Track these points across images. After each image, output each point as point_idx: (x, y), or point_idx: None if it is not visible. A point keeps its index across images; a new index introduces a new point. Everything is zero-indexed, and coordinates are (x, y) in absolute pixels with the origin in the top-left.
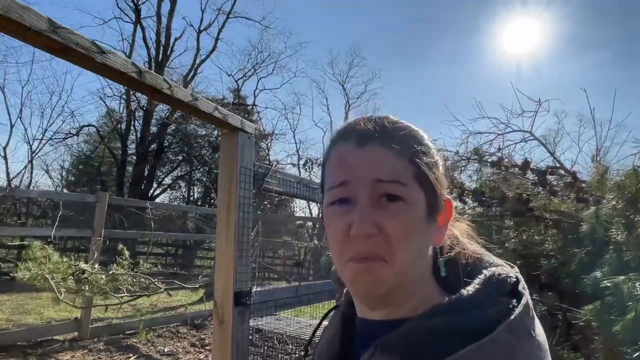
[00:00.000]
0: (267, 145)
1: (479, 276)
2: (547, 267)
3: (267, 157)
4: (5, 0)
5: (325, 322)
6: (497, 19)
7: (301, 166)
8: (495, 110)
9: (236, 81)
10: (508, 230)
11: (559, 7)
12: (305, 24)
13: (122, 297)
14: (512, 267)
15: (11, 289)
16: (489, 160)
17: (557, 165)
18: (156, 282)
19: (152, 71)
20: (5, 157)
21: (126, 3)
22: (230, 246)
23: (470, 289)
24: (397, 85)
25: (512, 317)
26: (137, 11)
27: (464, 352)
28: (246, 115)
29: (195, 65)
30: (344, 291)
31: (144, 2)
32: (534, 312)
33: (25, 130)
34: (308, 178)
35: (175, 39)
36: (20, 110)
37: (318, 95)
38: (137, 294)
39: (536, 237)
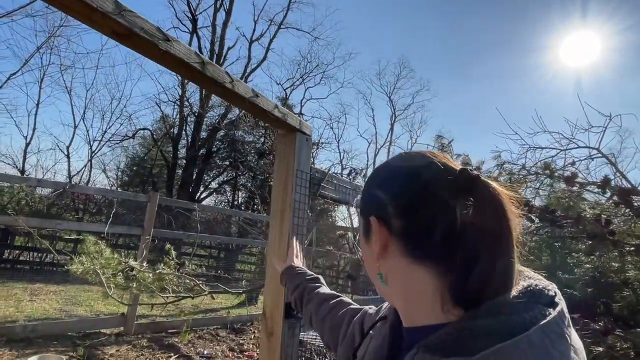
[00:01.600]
0: (312, 153)
1: (517, 286)
2: (629, 298)
3: (312, 165)
4: None
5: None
6: (554, 32)
7: (344, 176)
8: (554, 124)
9: (284, 90)
10: (578, 253)
11: (622, 19)
12: (354, 36)
13: (167, 297)
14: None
15: (66, 281)
16: (562, 175)
17: (630, 185)
18: (200, 285)
19: (214, 64)
20: (68, 156)
21: (184, 13)
22: (282, 253)
23: (507, 296)
24: (446, 97)
25: (547, 319)
26: (194, 21)
27: (499, 347)
28: None
29: (246, 74)
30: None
31: (200, 13)
32: (570, 322)
33: (87, 131)
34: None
35: (228, 49)
36: (84, 112)
37: (364, 106)
38: (182, 295)
39: (614, 264)
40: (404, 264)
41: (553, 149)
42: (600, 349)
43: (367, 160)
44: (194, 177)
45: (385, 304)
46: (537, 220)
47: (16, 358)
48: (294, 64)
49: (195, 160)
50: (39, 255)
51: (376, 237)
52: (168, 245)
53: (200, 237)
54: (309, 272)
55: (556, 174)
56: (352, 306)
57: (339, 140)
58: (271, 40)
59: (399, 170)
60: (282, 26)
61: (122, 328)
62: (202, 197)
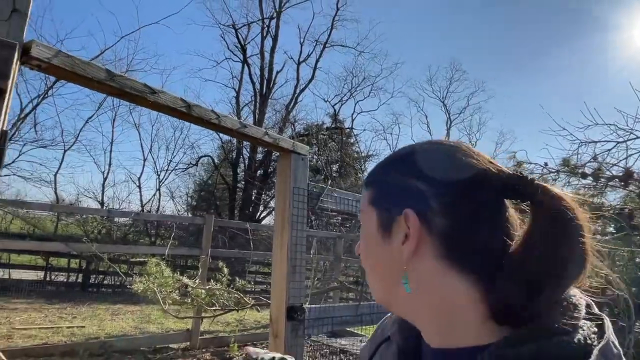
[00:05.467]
0: (362, 166)
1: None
2: None
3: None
4: (69, 58)
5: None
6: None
7: None
8: (610, 116)
9: (332, 106)
10: None
11: None
12: (400, 45)
13: (214, 310)
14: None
15: (142, 301)
16: (581, 172)
17: None
18: (246, 298)
19: (201, 105)
20: (139, 186)
21: (234, 45)
22: (283, 263)
23: (554, 312)
24: (502, 96)
25: (604, 342)
26: (244, 51)
27: None
28: (344, 139)
29: (296, 95)
30: (396, 321)
31: (248, 42)
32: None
33: (154, 162)
34: None
35: (277, 73)
36: (151, 145)
37: (417, 113)
38: (229, 308)
39: None
40: (438, 268)
41: (609, 141)
42: None
43: None
44: (253, 197)
45: (382, 328)
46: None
47: None
48: (341, 80)
49: (253, 181)
50: (120, 278)
51: (412, 234)
52: (221, 263)
53: (254, 254)
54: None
55: (578, 170)
56: None
57: (394, 151)
58: (317, 60)
59: (445, 160)
60: (327, 45)
61: (188, 343)
62: (262, 216)
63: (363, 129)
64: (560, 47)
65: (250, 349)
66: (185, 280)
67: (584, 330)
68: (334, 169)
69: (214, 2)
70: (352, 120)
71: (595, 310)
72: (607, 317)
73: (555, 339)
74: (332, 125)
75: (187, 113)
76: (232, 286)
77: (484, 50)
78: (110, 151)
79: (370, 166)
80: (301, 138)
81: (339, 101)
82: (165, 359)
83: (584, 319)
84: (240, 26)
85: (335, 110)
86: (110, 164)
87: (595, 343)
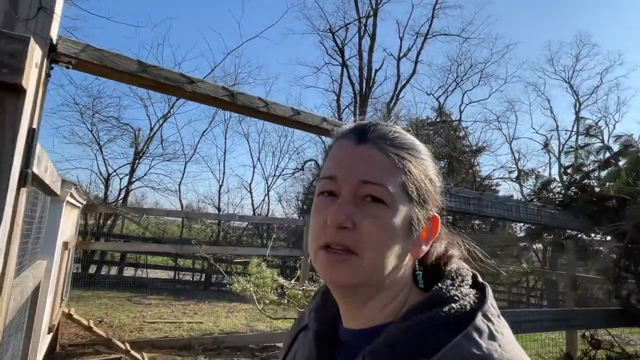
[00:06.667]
0: (474, 161)
1: (445, 274)
2: None
3: (477, 174)
4: (97, 51)
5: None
6: None
7: (513, 179)
8: None
9: (437, 99)
10: None
11: None
12: (511, 25)
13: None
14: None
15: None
16: None
17: None
18: None
19: (246, 93)
20: (250, 192)
21: (333, 49)
22: None
23: (440, 285)
24: None
25: (486, 304)
26: (342, 53)
27: (453, 344)
28: (452, 132)
29: (397, 91)
30: (313, 309)
31: (346, 44)
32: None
33: (262, 169)
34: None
35: (376, 71)
36: (259, 152)
37: (537, 98)
38: None
39: None
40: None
41: None
42: None
43: (550, 158)
44: None
45: (300, 318)
46: None
47: None
48: (445, 70)
49: None
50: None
51: (432, 234)
52: None
53: None
54: None
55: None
56: None
57: (510, 142)
58: (419, 53)
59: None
60: (428, 36)
61: None
62: None
63: (473, 121)
64: None
65: None
66: (282, 280)
67: (470, 297)
68: (441, 165)
69: (311, 10)
70: (460, 112)
71: (480, 279)
72: (488, 285)
73: (443, 307)
74: (438, 119)
75: (230, 102)
76: None
77: (620, 16)
78: (224, 160)
79: (482, 160)
80: None
81: (444, 93)
82: (271, 357)
83: (470, 287)
84: (337, 29)
85: (440, 103)
86: (224, 173)
87: (478, 307)
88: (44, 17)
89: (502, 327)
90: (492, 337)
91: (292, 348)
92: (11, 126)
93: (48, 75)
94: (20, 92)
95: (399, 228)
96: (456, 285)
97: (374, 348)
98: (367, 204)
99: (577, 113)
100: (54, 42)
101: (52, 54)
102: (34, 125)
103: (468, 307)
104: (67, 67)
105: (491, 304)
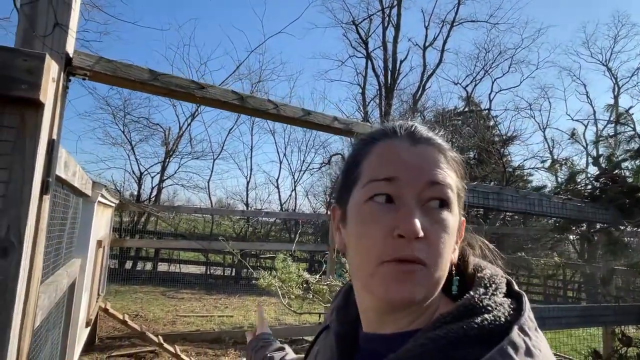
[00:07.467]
0: (504, 150)
1: (477, 281)
2: None
3: (508, 164)
4: (110, 63)
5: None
6: None
7: (545, 169)
8: None
9: (464, 88)
10: None
11: None
12: (543, 8)
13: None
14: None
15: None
16: None
17: None
18: None
19: (256, 96)
20: (277, 187)
21: (356, 41)
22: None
23: (472, 294)
24: None
25: (523, 316)
26: (366, 45)
27: (487, 357)
28: (482, 121)
29: (424, 82)
30: (334, 309)
31: (370, 35)
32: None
33: (289, 164)
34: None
35: (401, 62)
36: (285, 148)
37: (572, 83)
38: None
39: None
40: None
41: None
42: None
43: (586, 145)
44: None
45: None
46: None
47: (238, 358)
48: (472, 58)
49: None
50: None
51: (460, 236)
52: (344, 259)
53: None
54: (276, 343)
55: None
56: None
57: (544, 130)
58: (445, 41)
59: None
60: (455, 23)
61: None
62: None
63: (504, 109)
64: None
65: None
66: (306, 275)
67: (504, 307)
68: (470, 156)
69: (333, 2)
70: (490, 101)
71: (515, 287)
72: (525, 294)
73: (476, 317)
74: (466, 109)
75: (240, 105)
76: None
77: None
78: (251, 157)
79: (514, 149)
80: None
81: (472, 81)
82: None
83: (505, 296)
84: (360, 21)
85: (467, 92)
86: (251, 169)
87: (514, 320)
88: (60, 33)
89: (540, 342)
90: (529, 353)
91: (314, 346)
92: (31, 138)
93: (66, 87)
94: (39, 106)
95: (454, 235)
96: (489, 293)
97: (399, 356)
98: (432, 210)
99: (615, 97)
100: (70, 55)
101: (69, 68)
102: (54, 137)
103: (502, 319)
104: (84, 79)
105: (528, 316)
